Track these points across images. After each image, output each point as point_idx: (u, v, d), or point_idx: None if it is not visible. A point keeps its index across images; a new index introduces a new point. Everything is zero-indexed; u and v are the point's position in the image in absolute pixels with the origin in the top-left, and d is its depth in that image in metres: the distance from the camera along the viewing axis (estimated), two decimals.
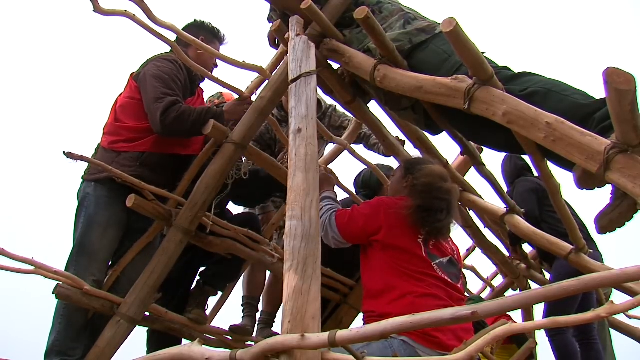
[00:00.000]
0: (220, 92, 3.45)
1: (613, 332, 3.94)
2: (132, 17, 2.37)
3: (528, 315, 4.11)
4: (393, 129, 2.96)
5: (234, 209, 3.39)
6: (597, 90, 1.61)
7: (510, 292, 4.42)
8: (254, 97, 2.75)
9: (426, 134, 2.80)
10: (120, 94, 2.86)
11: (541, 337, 3.60)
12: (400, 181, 2.34)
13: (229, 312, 3.75)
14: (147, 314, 2.68)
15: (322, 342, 1.31)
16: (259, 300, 3.64)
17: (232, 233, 2.92)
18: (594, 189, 1.63)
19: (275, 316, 3.65)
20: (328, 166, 3.33)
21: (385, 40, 2.15)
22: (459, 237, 4.34)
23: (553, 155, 1.68)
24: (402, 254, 2.04)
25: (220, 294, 3.50)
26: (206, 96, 3.23)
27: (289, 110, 2.02)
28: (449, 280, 2.08)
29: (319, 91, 2.69)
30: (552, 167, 2.24)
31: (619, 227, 1.64)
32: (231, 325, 3.31)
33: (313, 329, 1.48)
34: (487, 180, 3.01)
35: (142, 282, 2.50)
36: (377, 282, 2.04)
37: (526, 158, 3.55)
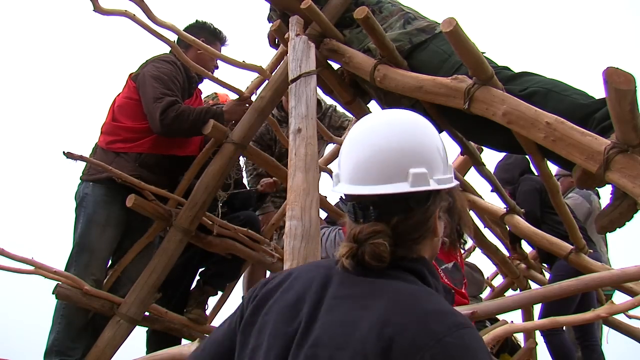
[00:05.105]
0: (215, 93, 3.44)
1: (613, 332, 3.93)
2: (132, 17, 2.37)
3: (528, 315, 4.11)
4: None
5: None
6: (597, 90, 1.61)
7: (510, 292, 4.42)
8: (254, 97, 2.75)
9: None
10: (119, 94, 2.85)
11: (540, 338, 3.59)
12: None
13: (229, 312, 3.74)
14: (147, 314, 2.67)
15: None
16: None
17: (232, 233, 2.92)
18: (594, 189, 1.63)
19: None
20: (328, 166, 3.33)
21: (385, 40, 2.15)
22: None
23: (553, 155, 1.69)
24: None
25: (220, 293, 3.49)
26: (203, 97, 3.22)
27: (289, 110, 2.02)
28: (453, 286, 2.08)
29: (319, 91, 2.69)
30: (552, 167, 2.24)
31: (619, 227, 1.64)
32: None
33: None
34: (487, 180, 3.00)
35: (142, 282, 2.51)
36: None
37: None
